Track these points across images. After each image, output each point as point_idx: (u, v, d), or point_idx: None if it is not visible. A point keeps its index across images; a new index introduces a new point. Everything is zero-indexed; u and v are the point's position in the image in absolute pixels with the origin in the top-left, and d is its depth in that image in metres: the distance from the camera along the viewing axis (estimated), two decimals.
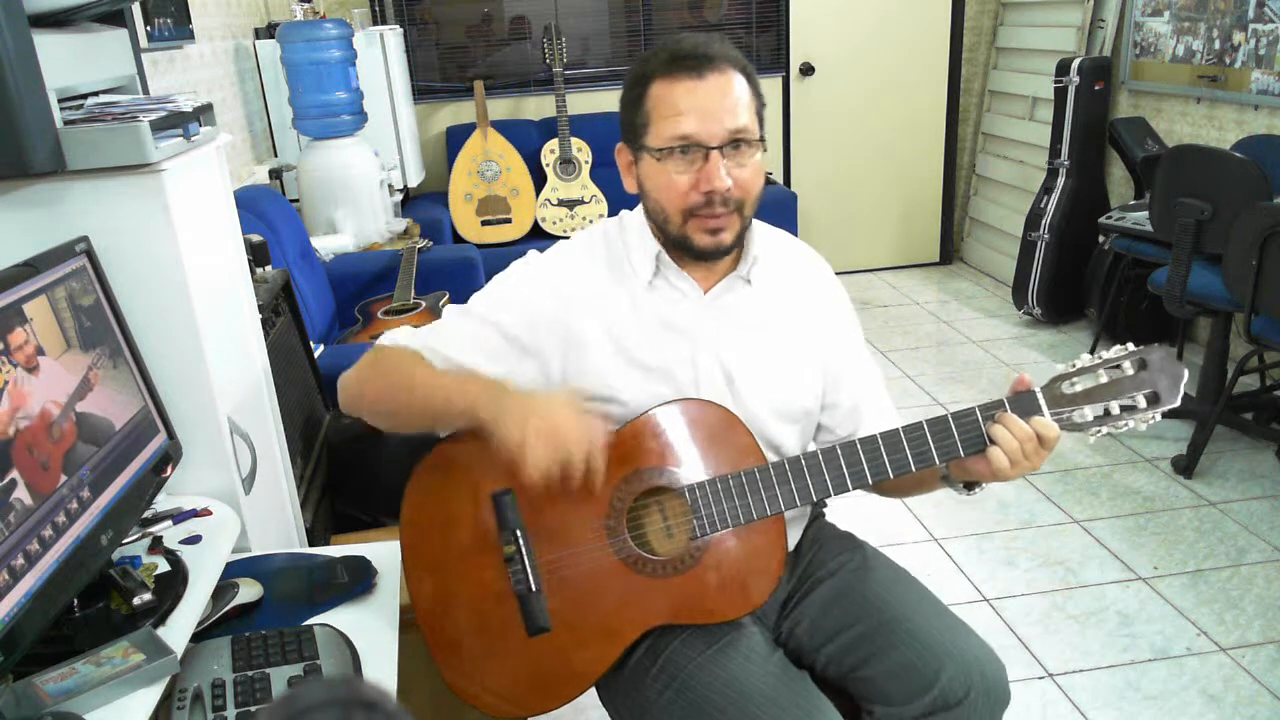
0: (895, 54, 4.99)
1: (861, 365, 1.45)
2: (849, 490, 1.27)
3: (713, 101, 1.22)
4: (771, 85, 5.00)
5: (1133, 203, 3.79)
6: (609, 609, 1.30)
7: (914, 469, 1.25)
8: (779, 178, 5.04)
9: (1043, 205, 4.25)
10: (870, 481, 1.26)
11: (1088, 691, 2.15)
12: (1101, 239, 4.05)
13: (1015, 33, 4.91)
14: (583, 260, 1.36)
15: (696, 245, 1.28)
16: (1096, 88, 4.09)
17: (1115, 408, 1.21)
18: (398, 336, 1.38)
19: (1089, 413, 1.21)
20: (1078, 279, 4.21)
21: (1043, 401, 1.22)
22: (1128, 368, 1.21)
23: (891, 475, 1.25)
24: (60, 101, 1.30)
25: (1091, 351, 4.16)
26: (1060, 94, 4.15)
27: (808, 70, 4.99)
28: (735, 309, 1.35)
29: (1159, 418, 1.21)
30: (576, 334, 1.31)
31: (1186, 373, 1.21)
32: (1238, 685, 2.14)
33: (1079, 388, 1.21)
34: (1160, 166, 3.10)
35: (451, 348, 1.33)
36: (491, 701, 1.33)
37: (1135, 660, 2.24)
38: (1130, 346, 1.22)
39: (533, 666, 1.31)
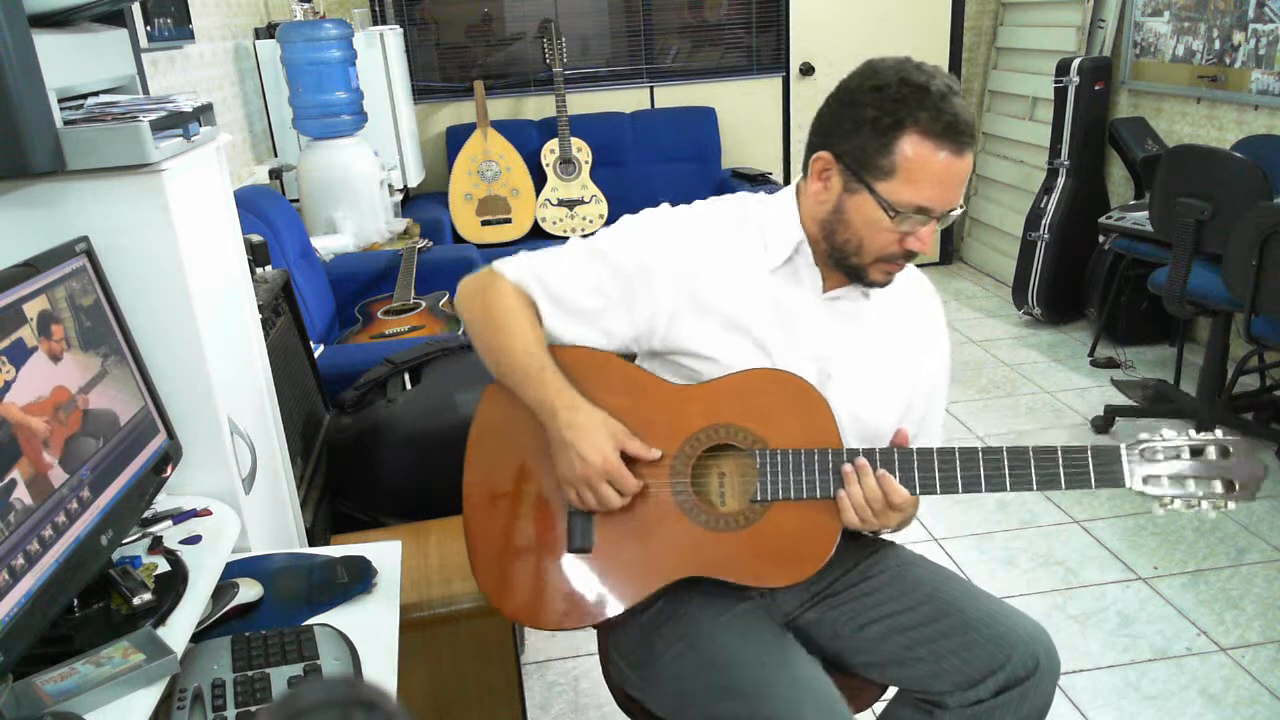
0: (895, 54, 4.97)
1: (936, 409, 1.47)
2: (915, 493, 1.29)
3: (958, 181, 1.23)
4: (771, 85, 5.01)
5: (1133, 203, 3.79)
6: (653, 547, 1.33)
7: (983, 489, 1.26)
8: (778, 177, 5.04)
9: (1043, 205, 4.25)
10: (938, 491, 1.28)
11: (1088, 691, 2.15)
12: (1101, 239, 4.04)
13: (1015, 33, 4.91)
14: (715, 224, 1.37)
15: (870, 280, 1.32)
16: (1096, 88, 4.09)
17: (1191, 484, 1.24)
18: (519, 268, 1.39)
19: (1165, 479, 1.24)
20: (1078, 279, 4.20)
21: (1125, 458, 1.25)
22: (1211, 453, 1.24)
23: (961, 490, 1.27)
24: (60, 101, 1.30)
25: (1091, 351, 4.13)
26: (1060, 94, 4.15)
27: (808, 70, 4.99)
28: (847, 316, 1.37)
29: (1232, 506, 1.25)
30: (690, 291, 1.32)
31: (1266, 470, 1.25)
32: (1238, 685, 2.14)
33: (1160, 457, 1.25)
34: (1160, 166, 3.10)
35: (560, 281, 1.36)
36: (511, 603, 1.37)
37: (1135, 660, 2.24)
38: (1218, 434, 1.26)
39: (561, 582, 1.35)
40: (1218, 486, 1.24)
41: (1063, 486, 1.25)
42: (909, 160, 1.21)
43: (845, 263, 1.31)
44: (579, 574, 1.34)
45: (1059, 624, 2.37)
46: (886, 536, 1.50)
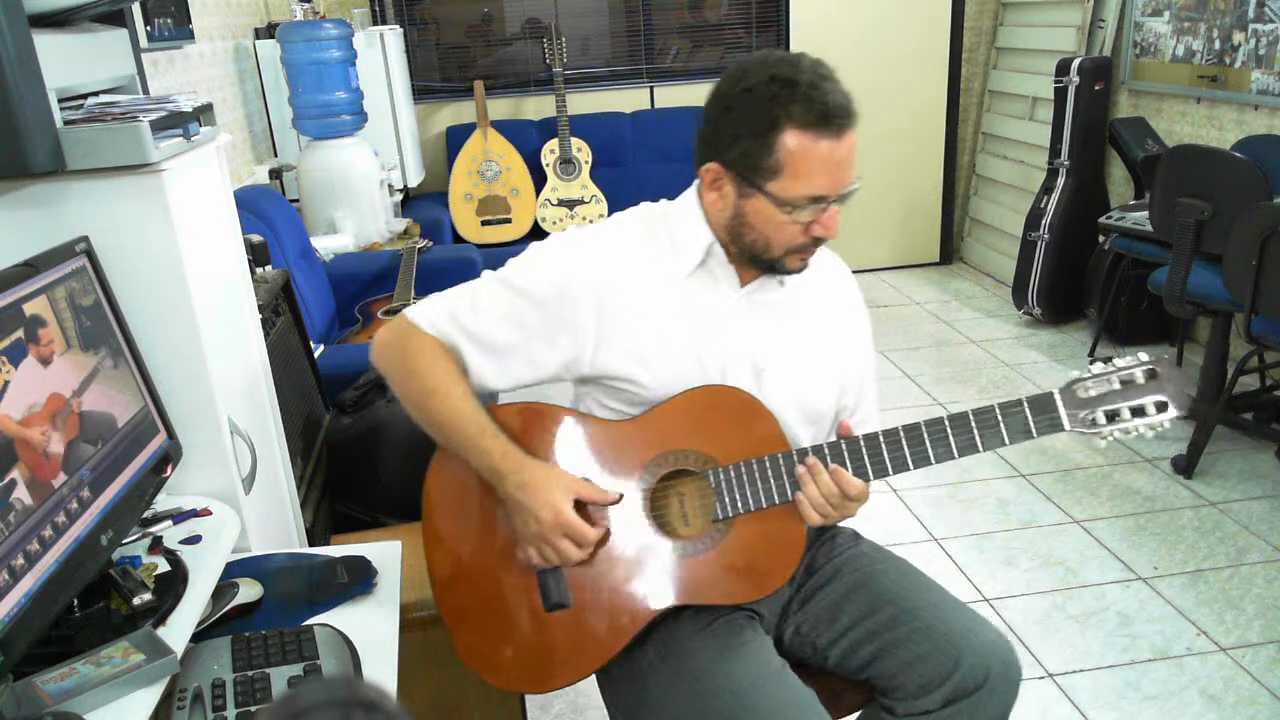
0: (895, 54, 4.99)
1: (869, 378, 1.49)
2: (869, 480, 1.30)
3: (846, 162, 1.25)
4: None
5: (1133, 203, 3.79)
6: (628, 587, 1.32)
7: (933, 461, 1.28)
8: None
9: (1043, 205, 4.25)
10: (891, 471, 1.29)
11: (1088, 691, 2.15)
12: (1101, 239, 4.05)
13: (1015, 33, 4.90)
14: (623, 239, 1.36)
15: (787, 268, 1.33)
16: (1096, 88, 4.09)
17: (1126, 411, 1.26)
18: (434, 317, 1.35)
19: (1101, 414, 1.26)
20: (1078, 279, 4.21)
21: (1059, 402, 1.26)
22: (1139, 376, 1.27)
23: (912, 466, 1.28)
24: (60, 101, 1.30)
25: (1091, 351, 4.14)
26: (1060, 94, 4.15)
27: None
28: (768, 307, 1.38)
29: (1167, 424, 1.27)
30: (610, 310, 1.32)
31: (1192, 383, 1.29)
32: (1238, 685, 2.14)
33: (1093, 392, 1.27)
34: (1160, 166, 3.10)
35: (482, 322, 1.33)
36: (501, 674, 1.35)
37: (1135, 660, 2.24)
38: (1142, 356, 1.28)
39: (546, 642, 1.33)
40: (1151, 408, 1.26)
41: (1007, 441, 1.26)
42: (792, 155, 1.22)
43: (758, 260, 1.32)
44: (562, 632, 1.33)
45: (1059, 624, 2.37)
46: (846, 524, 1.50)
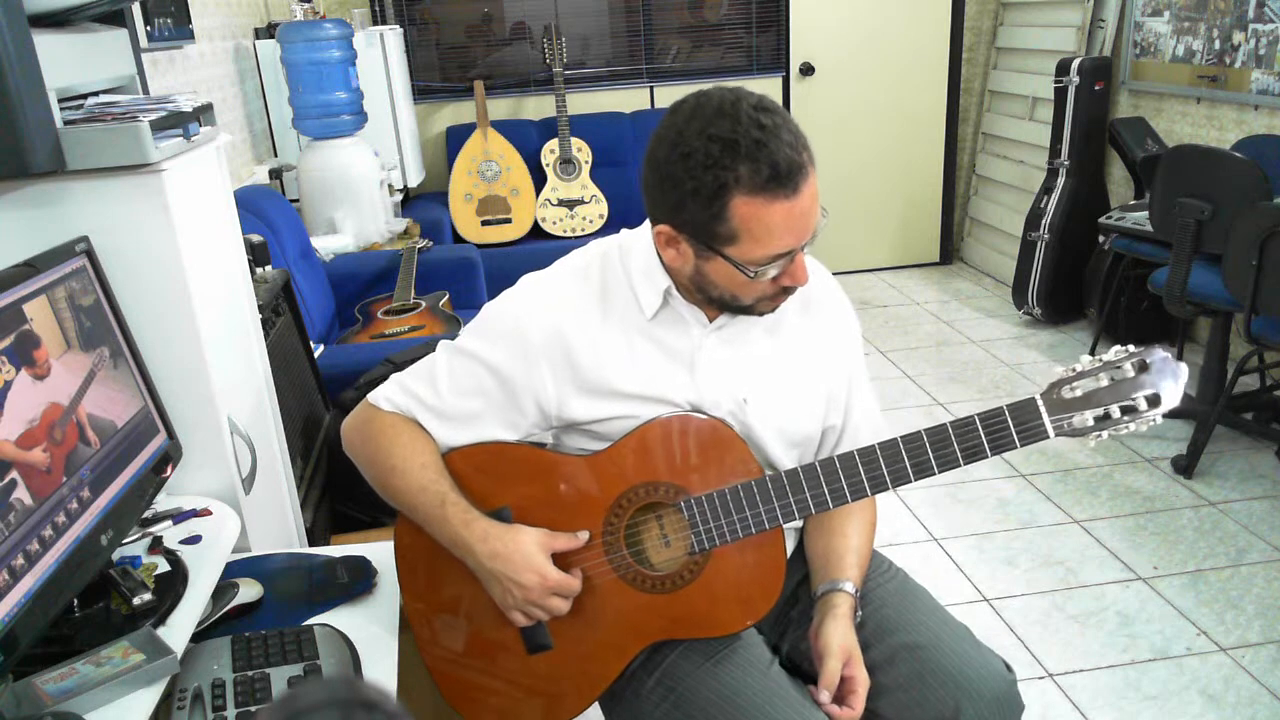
0: (895, 54, 4.99)
1: (861, 387, 1.43)
2: (848, 503, 1.25)
3: (808, 212, 1.15)
4: (771, 85, 5.00)
5: (1133, 203, 3.79)
6: (608, 625, 1.30)
7: (913, 479, 1.22)
8: None
9: (1043, 205, 4.25)
10: (869, 493, 1.24)
11: (1088, 691, 2.15)
12: (1101, 239, 4.05)
13: (1015, 33, 4.90)
14: (578, 287, 1.31)
15: (760, 312, 1.27)
16: (1096, 88, 4.09)
17: (1116, 410, 1.18)
18: (393, 395, 1.34)
19: (1089, 417, 1.18)
20: (1078, 279, 4.21)
21: (1043, 408, 1.18)
22: (1128, 369, 1.17)
23: (891, 486, 1.23)
24: (60, 101, 1.30)
25: (1091, 352, 4.15)
26: (1060, 94, 4.15)
27: (808, 70, 4.99)
28: (740, 336, 1.32)
29: (1159, 419, 1.19)
30: (570, 364, 1.28)
31: (1186, 371, 1.19)
32: (1238, 685, 2.14)
33: (1079, 392, 1.18)
34: (1160, 166, 3.10)
35: (439, 395, 1.31)
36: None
37: (1135, 660, 2.24)
38: (1131, 348, 1.20)
39: (533, 684, 1.31)
40: (1142, 403, 1.17)
41: (989, 454, 1.19)
42: (746, 222, 1.13)
43: (729, 307, 1.26)
44: (546, 676, 1.31)
45: (1059, 624, 2.37)
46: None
